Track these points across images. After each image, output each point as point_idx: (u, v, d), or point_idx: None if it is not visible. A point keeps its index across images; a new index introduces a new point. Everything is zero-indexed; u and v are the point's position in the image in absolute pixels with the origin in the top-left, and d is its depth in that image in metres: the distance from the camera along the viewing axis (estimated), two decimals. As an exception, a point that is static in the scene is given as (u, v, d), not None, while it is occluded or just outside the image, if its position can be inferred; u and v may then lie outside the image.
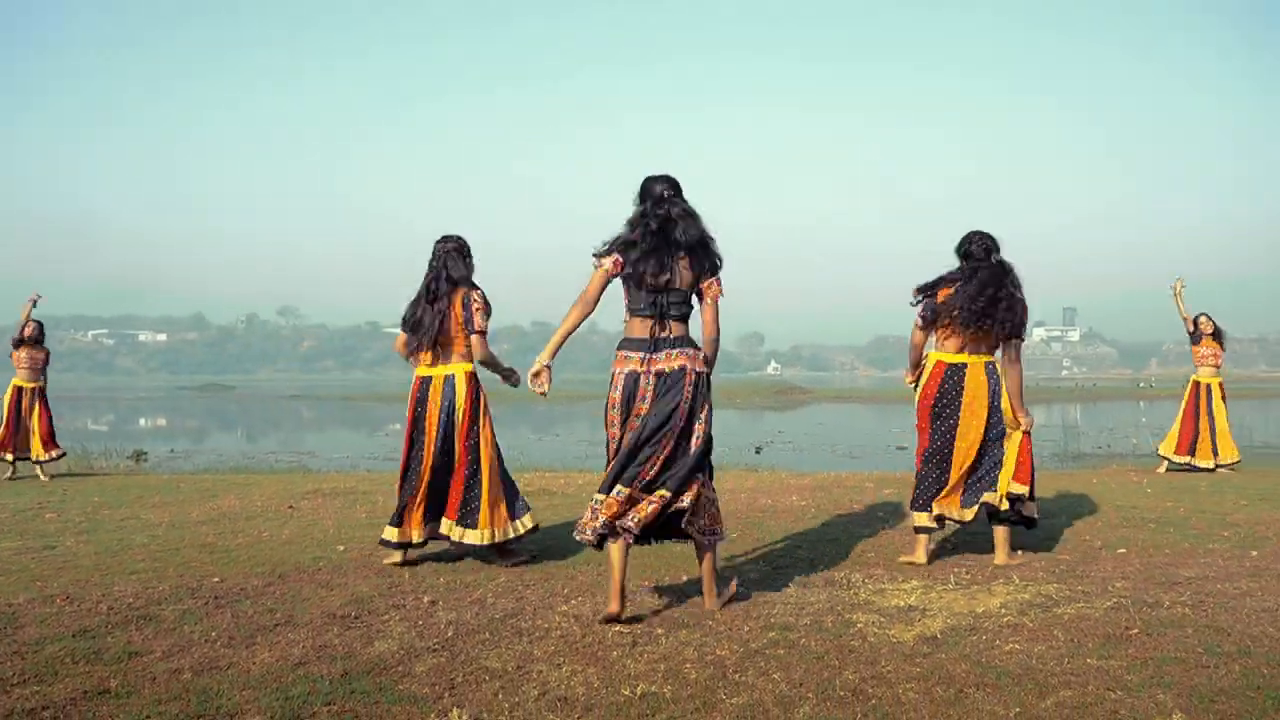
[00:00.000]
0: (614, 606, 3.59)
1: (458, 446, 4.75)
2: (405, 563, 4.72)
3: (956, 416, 4.64)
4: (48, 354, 9.86)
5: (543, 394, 3.83)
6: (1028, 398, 4.92)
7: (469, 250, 4.90)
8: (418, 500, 4.75)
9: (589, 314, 3.78)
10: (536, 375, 3.77)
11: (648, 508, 3.64)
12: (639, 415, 3.68)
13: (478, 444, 4.77)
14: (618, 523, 3.62)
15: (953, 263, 4.76)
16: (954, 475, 4.66)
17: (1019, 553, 4.80)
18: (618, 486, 3.65)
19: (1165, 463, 9.63)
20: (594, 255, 3.76)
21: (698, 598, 3.92)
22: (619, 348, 3.78)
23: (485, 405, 4.85)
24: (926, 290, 4.70)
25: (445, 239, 4.87)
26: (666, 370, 3.70)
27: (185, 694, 2.89)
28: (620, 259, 3.73)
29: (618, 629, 3.52)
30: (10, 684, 2.98)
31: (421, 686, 2.97)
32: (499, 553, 4.77)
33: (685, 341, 3.77)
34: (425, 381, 4.79)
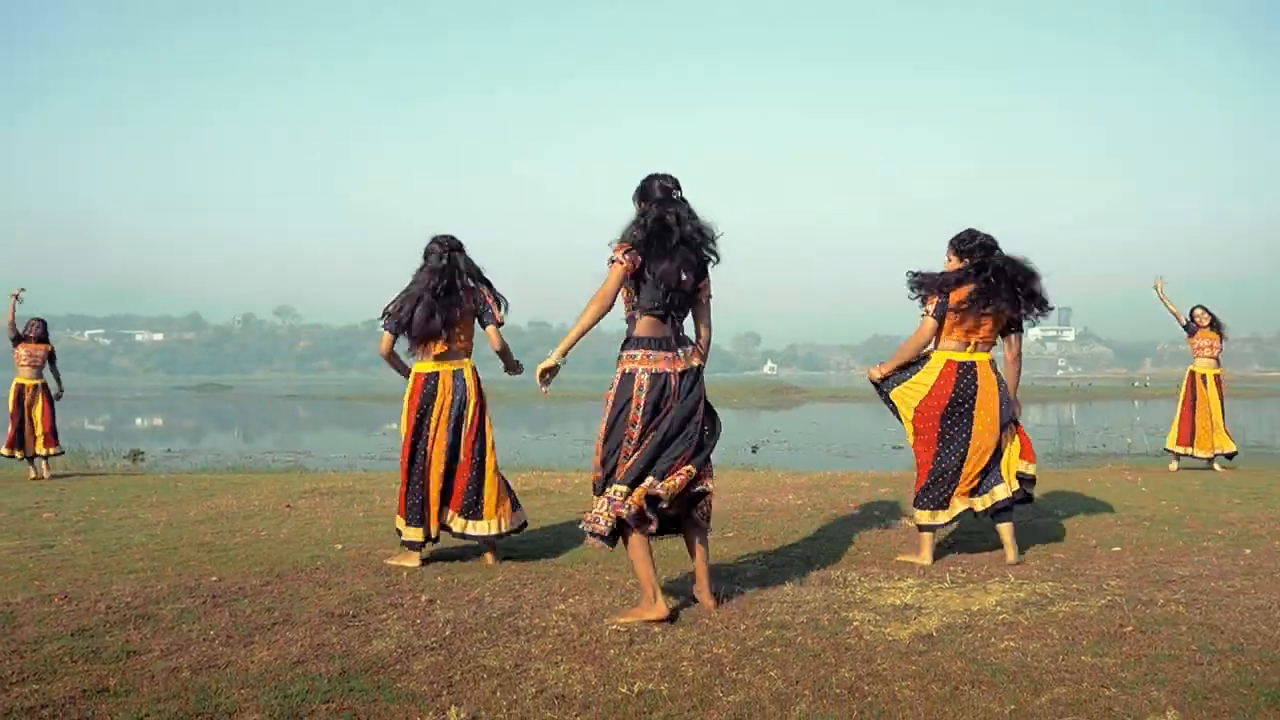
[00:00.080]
0: (663, 607, 3.61)
1: (466, 441, 4.81)
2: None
3: (971, 415, 4.67)
4: (50, 351, 9.86)
5: (545, 393, 3.82)
6: (1022, 396, 4.98)
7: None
8: (432, 495, 4.79)
9: (606, 313, 3.73)
10: (548, 371, 3.71)
11: (676, 479, 3.68)
12: (668, 414, 3.70)
13: (484, 437, 4.85)
14: (646, 506, 3.62)
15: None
16: (972, 471, 4.67)
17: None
18: (649, 478, 3.65)
19: (1176, 461, 9.67)
20: (612, 252, 3.70)
21: (693, 605, 3.93)
22: (637, 346, 3.73)
23: (486, 399, 4.93)
24: (934, 288, 4.67)
25: (448, 239, 4.87)
26: (687, 369, 3.77)
27: (184, 692, 2.90)
28: (638, 257, 3.71)
29: (615, 628, 3.53)
30: (9, 682, 2.99)
31: (420, 685, 2.98)
32: (492, 546, 4.84)
33: (690, 340, 3.86)
34: (431, 377, 4.80)
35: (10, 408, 9.63)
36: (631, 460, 3.67)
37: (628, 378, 3.72)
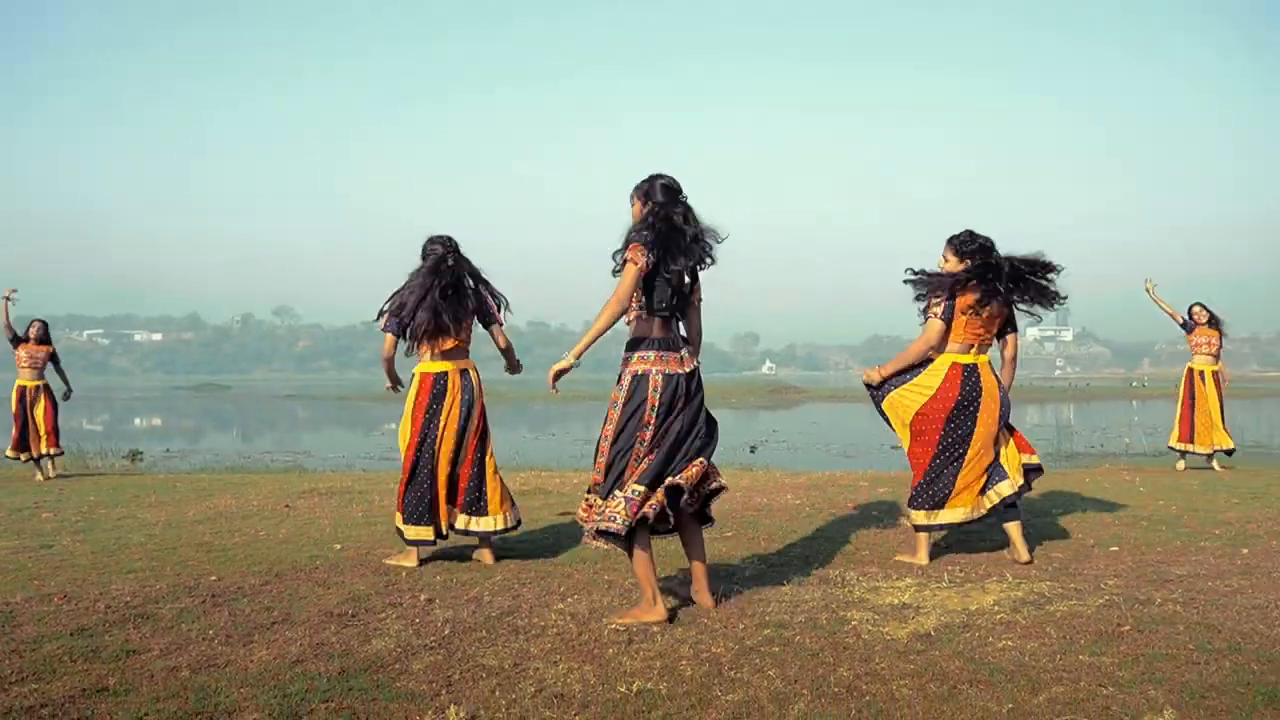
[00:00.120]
0: (662, 609, 3.63)
1: (471, 439, 4.85)
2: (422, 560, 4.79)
3: (975, 418, 4.67)
4: (52, 352, 9.86)
5: (554, 392, 3.78)
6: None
7: None
8: (441, 494, 4.81)
9: (622, 315, 3.71)
10: (563, 371, 3.67)
11: (692, 469, 3.73)
12: (680, 414, 3.71)
13: (485, 436, 4.92)
14: (667, 501, 3.65)
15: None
16: (974, 473, 4.68)
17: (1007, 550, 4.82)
18: (668, 479, 3.67)
19: (1182, 459, 9.69)
20: (627, 253, 3.66)
21: (691, 605, 3.93)
22: (650, 348, 3.72)
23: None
24: (942, 289, 4.64)
25: (448, 240, 4.87)
26: (693, 371, 3.80)
27: (183, 691, 2.91)
28: (652, 257, 3.69)
29: (613, 627, 3.54)
30: (9, 682, 2.99)
31: (419, 684, 2.98)
32: (490, 544, 4.88)
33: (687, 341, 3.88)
34: (441, 377, 4.80)
35: (13, 409, 9.65)
36: (644, 463, 3.66)
37: (640, 379, 3.70)
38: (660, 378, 3.69)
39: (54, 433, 9.69)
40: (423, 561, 4.76)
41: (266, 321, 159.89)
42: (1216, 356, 9.73)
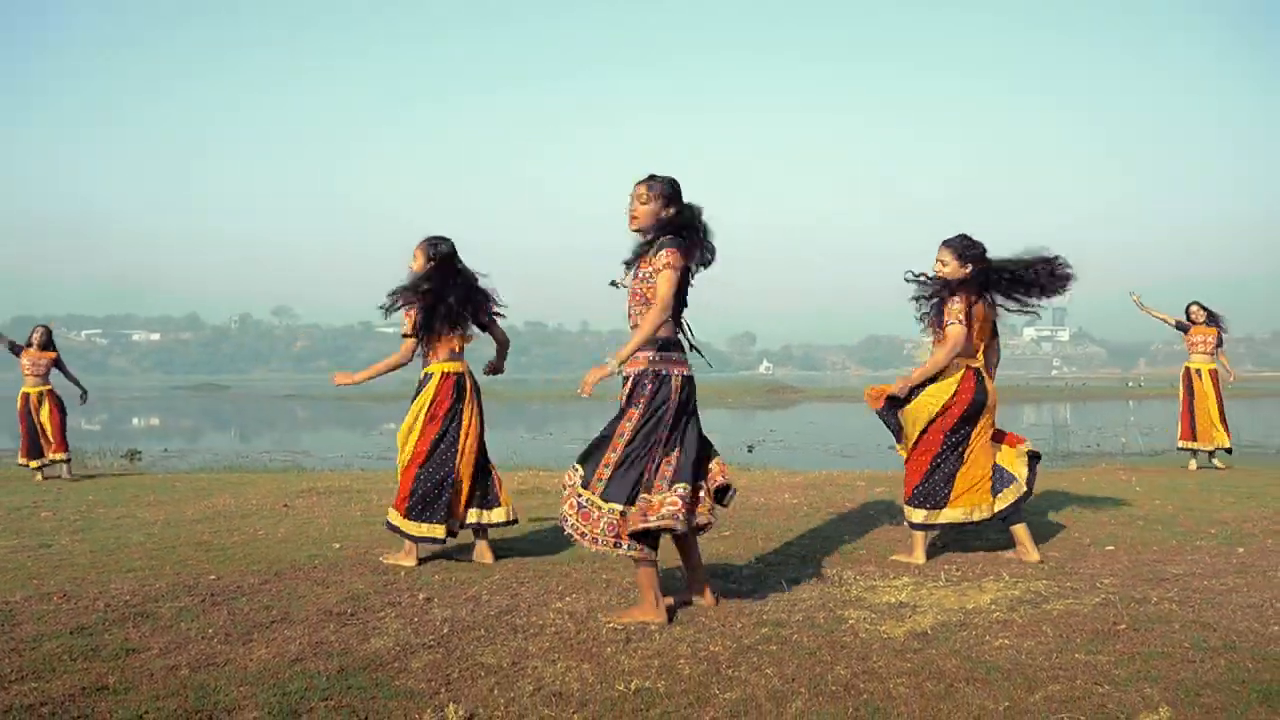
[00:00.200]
0: (663, 612, 3.64)
1: (477, 438, 4.93)
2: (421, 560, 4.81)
3: (978, 421, 4.70)
4: (55, 358, 9.86)
5: (587, 394, 3.70)
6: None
7: None
8: (464, 492, 4.84)
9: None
10: (603, 377, 3.64)
11: (721, 467, 3.83)
12: (694, 414, 3.78)
13: (483, 432, 4.98)
14: (716, 499, 3.74)
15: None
16: (976, 474, 4.68)
17: (1012, 550, 4.83)
18: (717, 478, 3.77)
19: (1193, 458, 9.72)
20: (670, 257, 3.66)
21: (690, 604, 3.94)
22: (675, 349, 3.75)
23: None
24: (963, 292, 4.63)
25: (450, 241, 4.90)
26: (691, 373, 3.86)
27: (183, 690, 2.91)
28: (686, 261, 3.73)
29: (611, 626, 3.55)
30: (9, 680, 3.00)
31: (418, 682, 2.99)
32: (489, 540, 4.94)
33: None
34: (460, 378, 4.87)
35: (19, 416, 9.66)
36: (672, 462, 3.66)
37: (664, 380, 3.70)
38: (680, 379, 3.73)
39: (62, 438, 9.68)
40: (421, 560, 4.77)
41: (265, 321, 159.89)
42: (1213, 354, 9.77)
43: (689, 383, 3.76)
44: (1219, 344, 9.79)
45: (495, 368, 5.09)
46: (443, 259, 4.82)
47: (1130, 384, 59.46)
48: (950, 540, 5.21)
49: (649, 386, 3.69)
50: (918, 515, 4.71)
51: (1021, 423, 24.60)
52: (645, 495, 3.63)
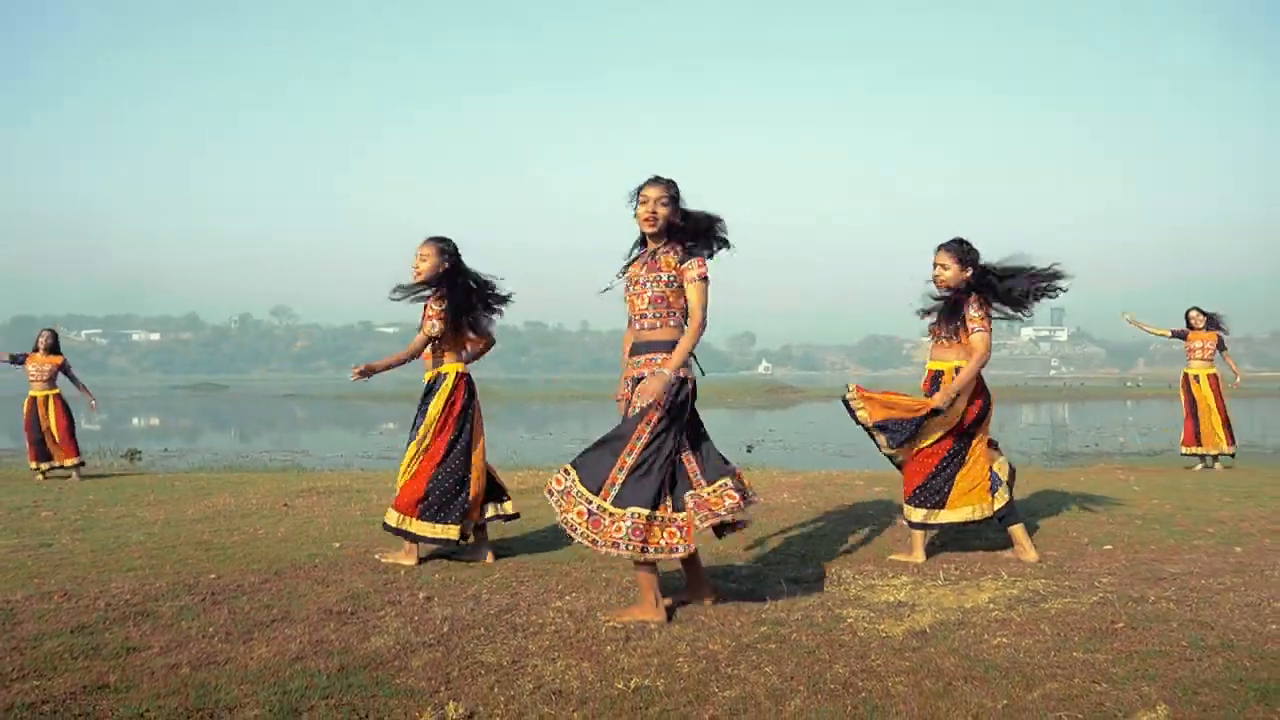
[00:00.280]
0: (663, 612, 3.65)
1: (483, 436, 4.99)
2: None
3: (985, 422, 4.78)
4: (61, 362, 9.86)
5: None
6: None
7: None
8: (477, 492, 4.87)
9: None
10: (668, 385, 3.65)
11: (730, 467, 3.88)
12: (693, 416, 3.83)
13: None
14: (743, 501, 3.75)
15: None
16: (976, 474, 4.70)
17: (1010, 550, 4.84)
18: (742, 481, 3.81)
19: (1200, 462, 9.73)
20: (703, 268, 3.74)
21: (689, 603, 3.95)
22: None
23: None
24: (979, 299, 4.65)
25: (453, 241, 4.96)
26: None
27: (183, 689, 2.92)
28: None
29: (610, 625, 3.56)
30: (10, 679, 3.00)
31: (418, 681, 3.00)
32: (486, 535, 5.01)
33: None
34: (469, 377, 4.94)
35: (24, 422, 9.68)
36: (693, 465, 3.73)
37: (680, 384, 3.72)
38: (692, 384, 3.77)
39: (70, 442, 9.69)
40: (421, 560, 4.78)
41: (265, 321, 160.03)
42: (1212, 360, 9.79)
43: (688, 384, 3.79)
44: (1221, 347, 9.80)
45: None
46: (455, 258, 4.87)
47: (1129, 384, 59.52)
48: (949, 540, 5.22)
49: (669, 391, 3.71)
50: (917, 515, 4.71)
51: (1020, 423, 24.61)
52: (694, 492, 3.66)
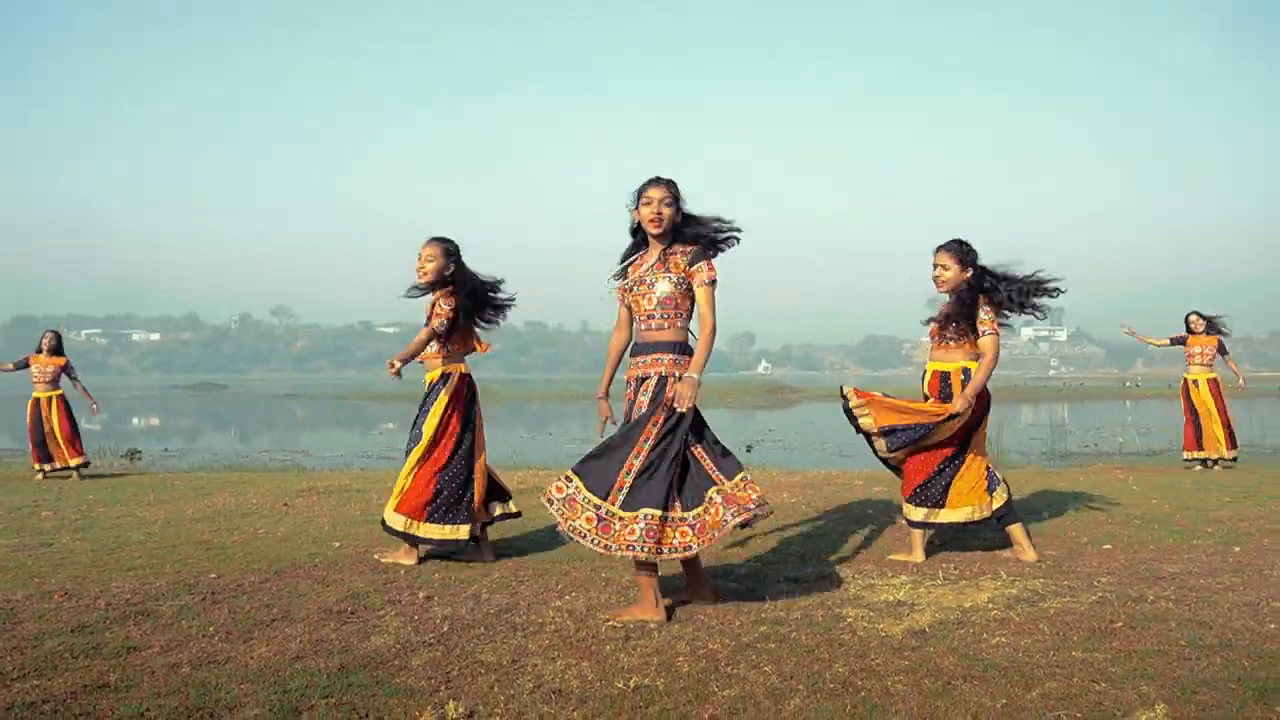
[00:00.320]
0: (663, 611, 3.65)
1: (482, 433, 5.01)
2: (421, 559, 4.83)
3: (985, 422, 4.81)
4: (64, 364, 9.88)
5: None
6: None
7: None
8: (481, 490, 4.90)
9: None
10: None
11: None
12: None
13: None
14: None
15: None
16: (978, 473, 4.72)
17: (1009, 549, 4.85)
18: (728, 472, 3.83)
19: (1197, 465, 9.74)
20: (713, 271, 3.78)
21: (688, 602, 3.96)
22: (689, 353, 3.80)
23: None
24: (990, 303, 4.70)
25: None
26: None
27: (184, 688, 2.93)
28: None
29: (610, 624, 3.57)
30: (11, 678, 3.01)
31: (418, 680, 3.01)
32: (485, 534, 5.01)
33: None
34: (471, 377, 4.95)
35: (28, 423, 9.69)
36: (708, 461, 3.75)
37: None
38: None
39: (74, 442, 9.69)
40: (421, 559, 4.78)
41: (264, 321, 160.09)
42: (1211, 364, 9.78)
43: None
44: (1222, 351, 9.80)
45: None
46: (459, 258, 4.89)
47: (1128, 384, 59.53)
48: (948, 539, 5.23)
49: (670, 389, 3.71)
50: (918, 514, 4.72)
51: (1019, 423, 24.61)
52: (719, 488, 3.67)
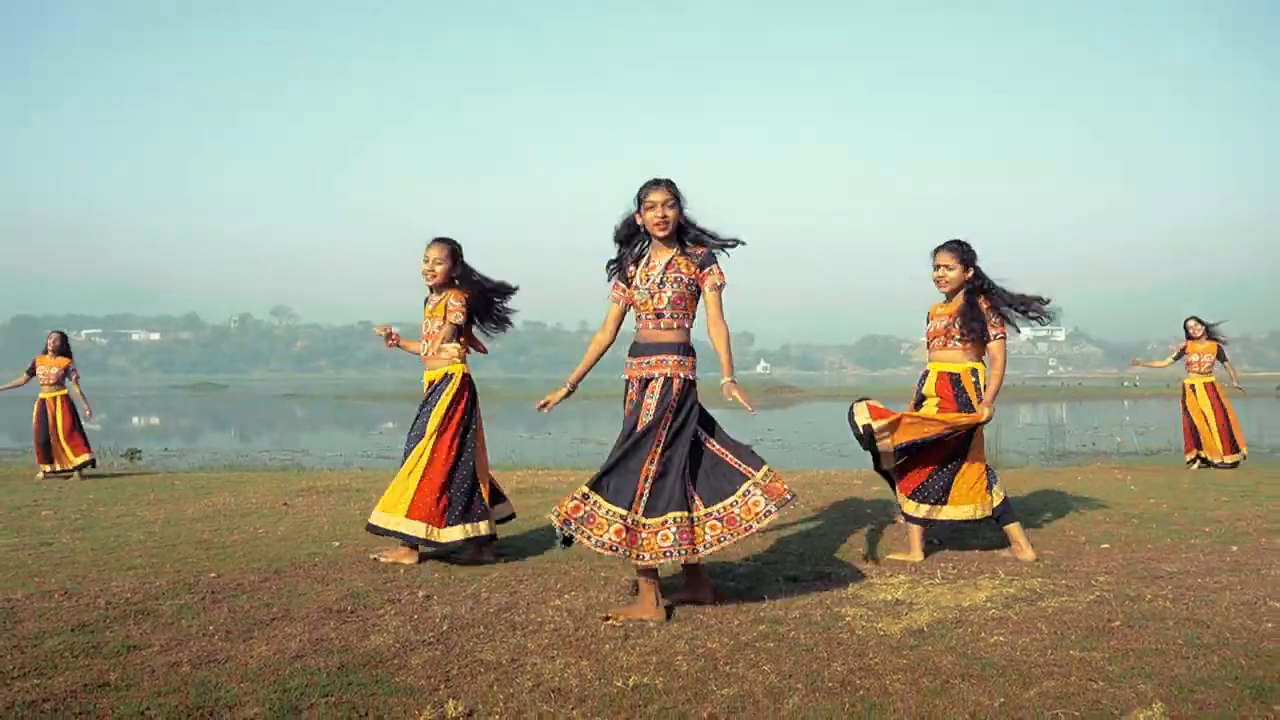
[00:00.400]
0: (662, 611, 3.67)
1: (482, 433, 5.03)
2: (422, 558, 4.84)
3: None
4: (68, 365, 9.89)
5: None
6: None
7: None
8: (488, 489, 4.94)
9: None
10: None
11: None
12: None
13: None
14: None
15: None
16: (978, 471, 4.74)
17: (1007, 549, 4.86)
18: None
19: (1197, 462, 9.78)
20: (722, 278, 3.84)
21: (688, 603, 3.96)
22: (692, 354, 3.86)
23: None
24: (997, 305, 4.74)
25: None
26: None
27: (184, 687, 2.93)
28: None
29: (609, 623, 3.57)
30: (11, 677, 3.01)
31: (417, 679, 3.01)
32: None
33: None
34: (472, 379, 4.97)
35: (34, 424, 9.70)
36: (730, 458, 3.83)
37: (689, 385, 3.79)
38: (695, 382, 3.84)
39: (76, 439, 9.70)
40: (421, 559, 4.79)
41: (264, 321, 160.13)
42: (1210, 370, 9.82)
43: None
44: (1221, 357, 9.82)
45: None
46: (463, 260, 4.98)
47: (1126, 384, 59.49)
48: (946, 538, 5.24)
49: (676, 391, 3.73)
50: (920, 510, 4.73)
51: (1018, 422, 24.61)
52: (752, 481, 3.74)
